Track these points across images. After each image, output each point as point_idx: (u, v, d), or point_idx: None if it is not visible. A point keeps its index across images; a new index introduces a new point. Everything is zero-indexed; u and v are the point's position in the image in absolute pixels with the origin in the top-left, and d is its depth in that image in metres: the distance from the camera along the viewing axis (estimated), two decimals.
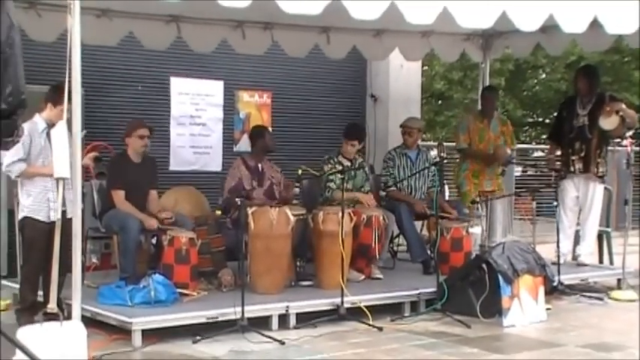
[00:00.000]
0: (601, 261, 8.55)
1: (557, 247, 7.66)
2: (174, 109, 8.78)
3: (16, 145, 5.29)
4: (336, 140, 7.93)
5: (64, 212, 5.69)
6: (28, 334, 4.45)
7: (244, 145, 9.17)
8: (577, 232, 8.35)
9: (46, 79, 6.39)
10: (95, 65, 7.55)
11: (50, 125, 5.75)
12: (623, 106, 8.03)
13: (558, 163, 8.24)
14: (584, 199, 8.15)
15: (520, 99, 19.30)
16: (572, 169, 8.07)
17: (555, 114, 8.91)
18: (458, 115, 17.83)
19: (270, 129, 8.01)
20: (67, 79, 5.00)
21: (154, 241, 7.08)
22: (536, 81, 20.05)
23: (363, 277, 7.08)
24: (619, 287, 7.78)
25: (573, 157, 8.06)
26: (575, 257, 8.22)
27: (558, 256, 7.52)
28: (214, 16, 7.68)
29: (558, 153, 8.32)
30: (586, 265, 8.05)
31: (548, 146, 9.40)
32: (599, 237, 8.56)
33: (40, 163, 5.82)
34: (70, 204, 5.41)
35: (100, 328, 5.71)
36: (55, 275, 5.06)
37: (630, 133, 8.13)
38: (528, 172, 14.69)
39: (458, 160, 8.74)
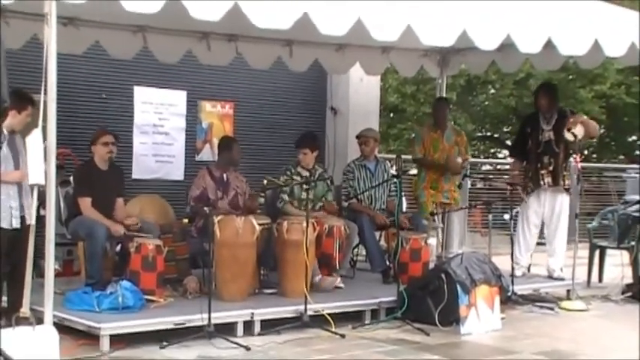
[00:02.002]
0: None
1: (512, 259, 7.84)
2: (137, 118, 8.79)
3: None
4: (296, 151, 8.04)
5: (23, 218, 5.73)
6: (1, 338, 4.48)
7: (207, 154, 9.26)
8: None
9: (10, 86, 6.37)
10: (60, 73, 7.54)
11: (10, 132, 5.76)
12: (584, 117, 8.29)
13: (521, 177, 8.39)
14: (550, 212, 8.32)
15: (470, 113, 19.62)
16: (541, 183, 8.24)
17: (518, 131, 9.09)
18: (410, 128, 18.08)
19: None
20: (42, 89, 5.03)
21: (118, 248, 7.14)
22: (485, 96, 20.42)
23: (338, 279, 7.17)
24: (568, 298, 8.00)
25: (542, 172, 8.23)
26: (551, 272, 8.36)
27: (512, 268, 7.70)
28: (180, 27, 7.73)
29: (516, 173, 8.48)
30: (563, 279, 8.14)
31: (508, 161, 9.61)
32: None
33: (2, 171, 5.78)
34: (31, 210, 5.43)
35: (66, 333, 5.70)
36: (29, 280, 5.08)
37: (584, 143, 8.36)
38: (477, 185, 14.94)
39: (416, 172, 8.91)
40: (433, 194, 8.59)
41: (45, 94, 5.04)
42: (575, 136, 7.87)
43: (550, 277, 8.34)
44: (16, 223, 5.84)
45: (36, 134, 5.14)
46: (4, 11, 6.79)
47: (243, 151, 7.68)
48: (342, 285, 7.36)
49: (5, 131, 5.77)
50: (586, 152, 18.39)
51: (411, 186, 9.01)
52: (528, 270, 8.54)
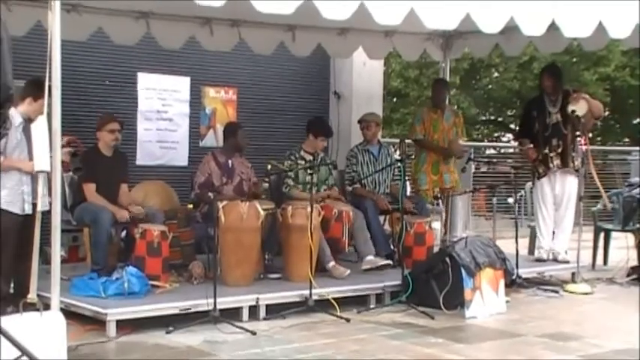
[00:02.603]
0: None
1: (531, 242, 7.88)
2: (141, 104, 8.80)
3: (3, 137, 5.32)
4: (300, 136, 8.04)
5: (35, 205, 5.76)
6: (8, 324, 4.50)
7: (210, 140, 9.28)
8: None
9: (15, 73, 6.39)
10: (64, 60, 7.56)
11: (27, 120, 5.80)
12: (587, 95, 8.24)
13: (535, 151, 8.31)
14: (561, 194, 8.33)
15: (474, 97, 19.60)
16: (551, 165, 8.24)
17: (522, 115, 9.07)
18: (414, 112, 18.06)
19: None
20: (47, 75, 5.05)
21: (123, 234, 7.17)
22: (489, 80, 20.39)
23: (348, 271, 7.13)
24: (573, 281, 8.02)
25: (551, 154, 8.22)
26: (554, 254, 8.37)
27: (517, 251, 7.70)
28: (183, 13, 7.74)
29: (531, 146, 8.41)
30: (568, 262, 8.14)
31: (515, 144, 9.60)
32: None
33: (15, 157, 5.86)
34: (43, 197, 5.46)
35: (72, 319, 5.74)
36: (35, 266, 5.11)
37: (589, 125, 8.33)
38: (481, 169, 14.94)
39: (415, 153, 8.90)
40: (435, 180, 8.58)
41: (49, 81, 5.05)
42: (574, 111, 7.87)
43: (555, 259, 8.35)
44: (28, 209, 5.88)
45: (40, 121, 5.16)
46: None
47: (246, 136, 7.69)
48: (386, 261, 7.34)
49: (21, 118, 5.81)
50: (590, 135, 18.36)
51: (410, 169, 8.99)
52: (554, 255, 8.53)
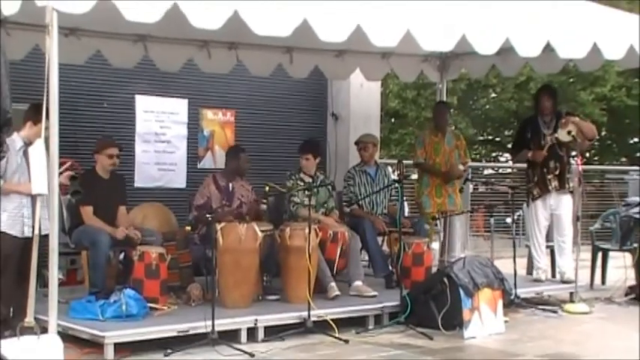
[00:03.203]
0: (554, 275, 8.77)
1: (529, 262, 7.92)
2: (139, 127, 8.83)
3: (1, 160, 5.32)
4: (298, 157, 8.05)
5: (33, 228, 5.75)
6: (5, 347, 4.50)
7: (208, 161, 9.30)
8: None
9: (13, 97, 6.41)
10: (62, 83, 7.59)
11: (28, 144, 5.82)
12: (577, 119, 8.24)
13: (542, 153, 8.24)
14: (559, 215, 8.31)
15: (471, 117, 19.65)
16: (549, 187, 8.24)
17: (515, 134, 9.09)
18: (412, 132, 18.11)
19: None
20: (45, 98, 5.07)
21: (121, 256, 7.17)
22: (486, 100, 20.46)
23: (336, 293, 7.10)
24: (572, 300, 8.00)
25: (549, 176, 8.22)
26: (561, 274, 8.36)
27: (515, 271, 7.70)
28: (181, 36, 7.76)
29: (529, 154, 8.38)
30: (572, 281, 8.07)
31: (509, 160, 9.57)
32: (552, 252, 8.80)
33: (15, 181, 5.85)
34: (42, 221, 5.46)
35: (70, 342, 5.74)
36: (33, 289, 5.10)
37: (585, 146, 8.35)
38: (479, 189, 14.98)
39: (417, 176, 8.91)
40: (439, 203, 8.56)
41: (47, 104, 5.07)
42: (569, 132, 7.90)
43: (562, 280, 8.33)
44: (28, 232, 5.86)
45: (38, 144, 5.18)
46: (6, 22, 6.87)
47: (248, 161, 7.69)
48: (373, 293, 7.24)
49: (22, 142, 5.82)
50: (588, 155, 18.41)
51: (413, 190, 9.00)
52: (553, 274, 8.57)
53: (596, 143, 17.82)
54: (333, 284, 7.14)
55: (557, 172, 8.25)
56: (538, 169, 8.30)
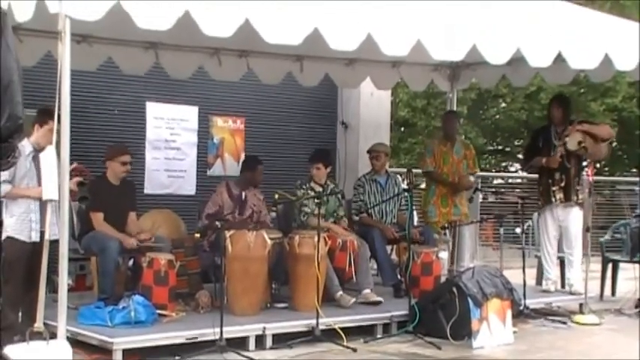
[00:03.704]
0: (563, 286, 8.75)
1: (539, 273, 7.90)
2: (149, 133, 8.86)
3: (12, 166, 5.35)
4: (307, 165, 8.06)
5: (42, 233, 5.77)
6: (15, 353, 4.51)
7: (218, 169, 9.32)
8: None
9: (25, 103, 6.45)
10: (73, 89, 7.64)
11: (37, 149, 5.86)
12: (586, 125, 8.20)
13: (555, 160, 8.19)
14: (567, 227, 8.29)
15: (481, 127, 19.62)
16: (552, 199, 8.20)
17: (526, 144, 9.07)
18: (421, 141, 18.09)
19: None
20: (56, 104, 5.10)
21: (130, 263, 7.19)
22: (496, 110, 20.43)
23: (354, 300, 7.13)
24: (581, 312, 7.97)
25: (554, 188, 8.18)
26: (569, 286, 8.34)
27: (524, 282, 7.68)
28: (192, 44, 7.80)
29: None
30: (581, 293, 8.05)
31: (519, 169, 9.53)
32: (562, 263, 8.77)
33: (24, 185, 5.90)
34: (52, 226, 5.48)
35: (79, 348, 5.75)
36: (42, 295, 5.12)
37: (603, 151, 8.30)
38: (489, 199, 14.97)
39: (425, 185, 8.90)
40: (444, 212, 8.55)
41: (58, 110, 5.10)
42: (579, 143, 7.88)
43: (570, 291, 8.30)
44: (35, 237, 5.90)
45: (49, 150, 5.21)
46: (18, 29, 6.92)
47: (262, 174, 7.71)
48: (378, 298, 7.29)
49: (31, 147, 5.86)
50: (598, 166, 18.36)
51: (420, 199, 8.99)
52: (562, 285, 8.54)
53: (613, 144, 17.74)
54: (341, 293, 7.13)
55: (562, 184, 8.18)
56: (544, 180, 8.28)
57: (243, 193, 7.39)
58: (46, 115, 5.88)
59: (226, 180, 7.69)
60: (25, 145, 5.85)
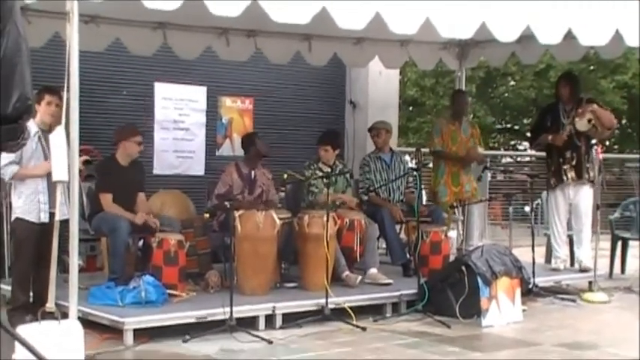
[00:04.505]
0: (572, 264, 8.74)
1: (548, 251, 7.92)
2: (158, 114, 8.86)
3: (22, 147, 5.37)
4: (316, 146, 8.04)
5: (52, 214, 5.79)
6: (27, 332, 4.54)
7: (227, 149, 9.34)
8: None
9: (33, 84, 6.46)
10: (81, 70, 7.64)
11: (43, 129, 5.87)
12: (596, 106, 8.18)
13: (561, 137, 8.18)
14: (577, 205, 8.28)
15: (490, 106, 19.56)
16: (564, 178, 8.19)
17: (534, 121, 9.03)
18: (429, 121, 18.05)
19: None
20: (65, 85, 5.10)
21: (140, 243, 7.21)
22: (505, 88, 20.34)
23: (360, 278, 7.15)
24: (590, 289, 7.97)
25: (565, 167, 8.17)
26: (578, 263, 8.35)
27: (533, 260, 7.68)
28: (200, 24, 7.78)
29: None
30: (590, 269, 8.06)
31: (528, 147, 9.48)
32: (571, 241, 8.76)
33: (31, 166, 5.92)
34: (61, 206, 5.51)
35: (90, 328, 5.77)
36: (53, 275, 5.15)
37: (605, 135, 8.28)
38: (497, 178, 14.93)
39: (433, 164, 8.88)
40: (456, 191, 8.53)
41: (67, 91, 5.10)
42: (589, 121, 7.88)
43: (580, 268, 8.30)
44: (44, 218, 5.94)
45: (59, 131, 5.21)
46: (27, 10, 6.91)
47: (266, 145, 7.70)
48: (388, 280, 7.29)
49: (37, 127, 5.87)
50: (607, 143, 18.27)
51: (429, 179, 8.98)
52: (572, 264, 8.53)
53: (616, 131, 17.69)
54: (348, 273, 7.14)
55: (573, 163, 8.17)
56: (555, 159, 8.26)
57: (253, 172, 7.39)
58: (42, 92, 5.92)
59: (235, 160, 7.69)
60: (30, 126, 5.85)
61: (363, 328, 6.29)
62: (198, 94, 9.11)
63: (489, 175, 11.54)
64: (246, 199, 7.17)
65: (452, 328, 6.40)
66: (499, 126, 21.71)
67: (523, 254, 7.63)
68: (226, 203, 6.43)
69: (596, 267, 8.03)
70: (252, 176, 7.38)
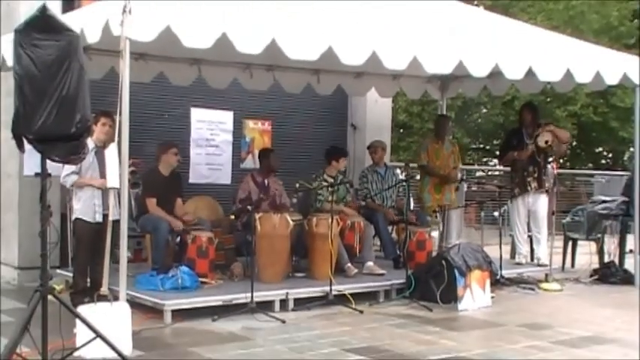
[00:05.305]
0: (532, 259, 8.66)
1: (513, 249, 8.04)
2: (193, 134, 8.84)
3: (82, 161, 5.38)
4: (322, 159, 8.03)
5: (106, 215, 5.80)
6: (85, 311, 4.55)
7: (249, 163, 9.28)
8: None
9: (92, 109, 6.48)
10: (131, 97, 7.65)
11: (98, 145, 5.88)
12: (552, 127, 8.24)
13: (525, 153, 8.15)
14: (536, 211, 8.27)
15: (466, 129, 19.53)
16: (528, 188, 8.20)
17: (502, 142, 9.07)
18: (417, 141, 18.00)
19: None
20: (118, 110, 5.11)
21: (177, 239, 7.19)
22: (478, 115, 20.32)
23: (356, 271, 7.13)
24: (546, 280, 7.94)
25: (529, 179, 8.19)
26: (537, 259, 8.34)
27: (500, 256, 7.66)
28: (228, 59, 7.78)
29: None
30: (547, 265, 8.07)
31: (497, 163, 9.51)
32: (531, 240, 8.71)
33: (88, 176, 5.94)
34: (114, 209, 5.51)
35: (136, 309, 5.76)
36: (107, 265, 5.15)
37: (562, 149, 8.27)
38: (472, 188, 14.84)
39: (419, 176, 8.86)
40: (438, 198, 8.51)
41: (120, 115, 5.12)
42: (546, 142, 7.87)
43: (538, 263, 8.28)
44: (98, 218, 5.94)
45: (112, 147, 5.24)
46: (88, 49, 6.95)
47: (278, 159, 7.70)
48: (382, 271, 7.24)
49: (93, 144, 5.88)
50: (562, 161, 18.24)
51: (416, 188, 8.96)
52: (532, 259, 8.49)
53: (568, 151, 17.65)
54: (350, 265, 7.12)
55: (535, 175, 8.20)
56: (520, 172, 8.26)
57: (266, 181, 7.39)
58: (98, 115, 5.93)
59: (251, 171, 7.70)
60: (89, 143, 5.87)
61: (361, 311, 6.28)
62: (226, 117, 9.08)
63: (465, 186, 11.50)
64: (263, 203, 7.16)
65: (433, 312, 6.38)
66: (474, 145, 21.66)
67: (492, 251, 7.60)
68: (248, 207, 6.42)
69: (552, 262, 8.04)
70: (266, 184, 7.38)
